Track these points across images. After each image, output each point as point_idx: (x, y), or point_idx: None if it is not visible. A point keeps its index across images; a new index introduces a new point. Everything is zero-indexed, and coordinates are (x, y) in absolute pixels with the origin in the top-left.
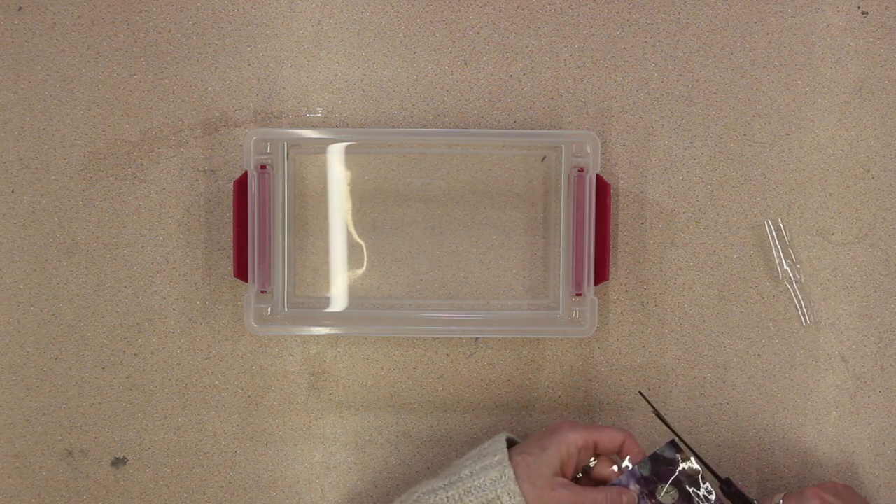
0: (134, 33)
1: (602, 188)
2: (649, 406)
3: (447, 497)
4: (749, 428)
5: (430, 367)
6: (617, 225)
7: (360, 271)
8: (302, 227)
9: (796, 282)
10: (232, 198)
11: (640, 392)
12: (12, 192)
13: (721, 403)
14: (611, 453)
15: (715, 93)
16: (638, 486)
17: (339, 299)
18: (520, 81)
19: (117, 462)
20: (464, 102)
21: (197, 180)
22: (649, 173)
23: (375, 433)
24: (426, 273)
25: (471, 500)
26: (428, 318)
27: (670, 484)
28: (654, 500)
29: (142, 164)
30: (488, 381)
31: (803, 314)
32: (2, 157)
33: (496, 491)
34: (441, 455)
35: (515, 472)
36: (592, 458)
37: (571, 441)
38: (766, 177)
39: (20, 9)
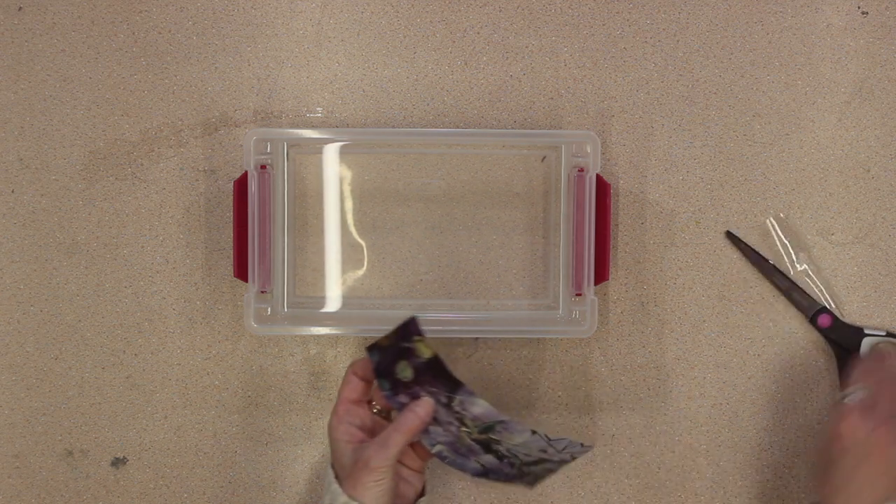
0: (134, 33)
1: (602, 188)
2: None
3: None
4: (749, 428)
5: None
6: (617, 225)
7: (360, 271)
8: (302, 227)
9: (814, 273)
10: (232, 198)
11: None
12: (12, 192)
13: (721, 403)
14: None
15: (715, 93)
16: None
17: (338, 299)
18: (520, 81)
19: (117, 462)
20: (464, 102)
21: (197, 180)
22: (649, 173)
23: None
24: (426, 273)
25: None
26: (428, 318)
27: (405, 360)
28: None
29: (142, 164)
30: (488, 381)
31: (829, 304)
32: (2, 157)
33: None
34: None
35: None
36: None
37: (336, 419)
38: (766, 177)
39: (20, 9)
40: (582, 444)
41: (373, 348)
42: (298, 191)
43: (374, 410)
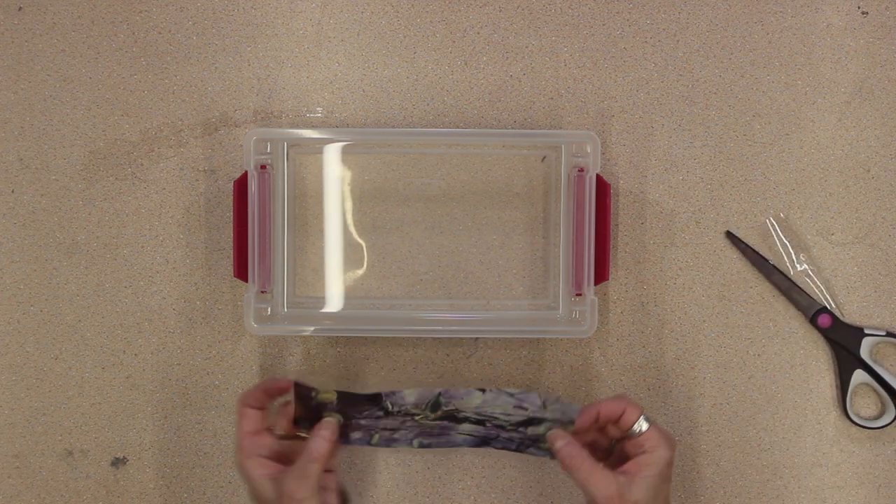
0: (134, 33)
1: (602, 188)
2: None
3: None
4: (749, 428)
5: (430, 367)
6: (617, 225)
7: (360, 271)
8: (302, 227)
9: (814, 273)
10: (232, 198)
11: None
12: (12, 192)
13: (721, 403)
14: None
15: (715, 93)
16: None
17: (338, 299)
18: (520, 81)
19: (117, 462)
20: (464, 102)
21: (197, 180)
22: (649, 173)
23: None
24: (426, 273)
25: None
26: (428, 318)
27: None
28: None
29: (142, 164)
30: (488, 381)
31: (829, 304)
32: (2, 157)
33: None
34: (441, 455)
35: None
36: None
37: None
38: (766, 177)
39: (20, 9)
40: (558, 397)
41: (297, 420)
42: (298, 191)
43: (279, 435)
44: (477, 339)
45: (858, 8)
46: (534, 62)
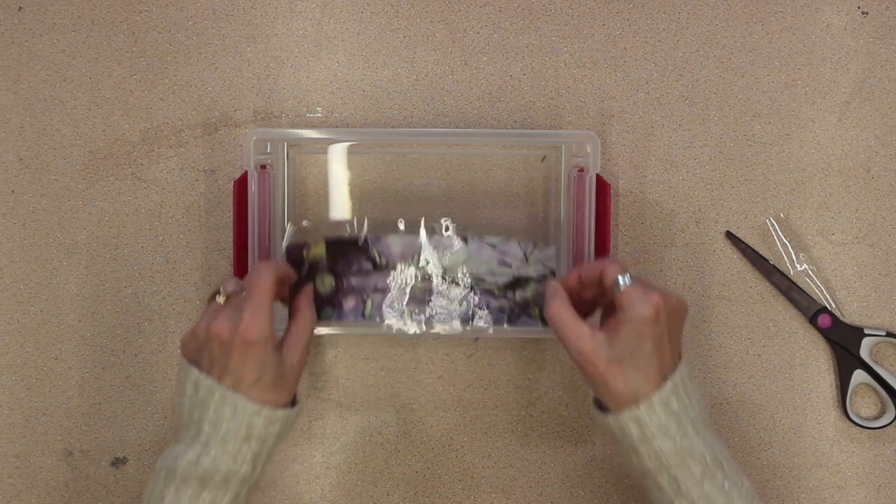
0: (134, 33)
1: (602, 188)
2: None
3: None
4: (749, 428)
5: (430, 367)
6: (617, 225)
7: None
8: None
9: (814, 273)
10: (232, 198)
11: None
12: (12, 192)
13: (721, 403)
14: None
15: (715, 93)
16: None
17: None
18: (520, 81)
19: (117, 462)
20: (464, 102)
21: (197, 180)
22: (649, 173)
23: (375, 433)
24: None
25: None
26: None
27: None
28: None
29: (142, 164)
30: (488, 381)
31: (829, 304)
32: (2, 157)
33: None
34: (441, 455)
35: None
36: None
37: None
38: (766, 177)
39: (20, 9)
40: (535, 243)
41: (292, 288)
42: (298, 191)
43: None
44: (477, 339)
45: (858, 8)
46: (534, 62)
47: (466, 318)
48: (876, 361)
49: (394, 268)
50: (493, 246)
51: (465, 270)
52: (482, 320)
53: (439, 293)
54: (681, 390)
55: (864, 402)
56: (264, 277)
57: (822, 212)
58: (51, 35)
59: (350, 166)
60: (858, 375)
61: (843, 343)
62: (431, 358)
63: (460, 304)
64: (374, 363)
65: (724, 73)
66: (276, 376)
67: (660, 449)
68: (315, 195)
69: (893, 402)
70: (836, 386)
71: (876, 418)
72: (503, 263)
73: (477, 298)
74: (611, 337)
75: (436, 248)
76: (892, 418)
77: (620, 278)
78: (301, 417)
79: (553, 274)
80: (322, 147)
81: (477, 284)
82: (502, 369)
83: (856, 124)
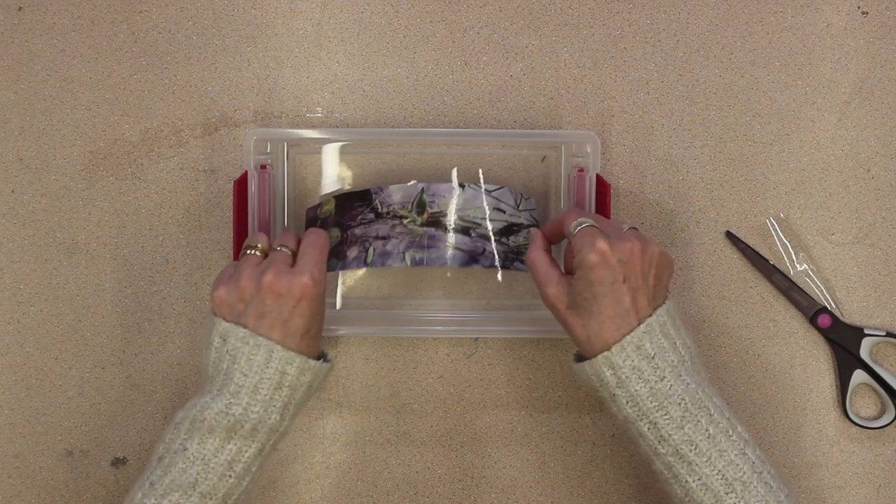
0: (134, 33)
1: (602, 188)
2: None
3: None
4: (749, 428)
5: (430, 367)
6: None
7: (360, 271)
8: (302, 228)
9: (814, 273)
10: (232, 198)
11: None
12: (12, 192)
13: None
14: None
15: (715, 93)
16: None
17: (338, 299)
18: (520, 81)
19: (117, 462)
20: (464, 102)
21: (197, 180)
22: (649, 173)
23: (375, 433)
24: (426, 272)
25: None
26: (428, 318)
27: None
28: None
29: (142, 164)
30: (488, 381)
31: (830, 304)
32: (2, 157)
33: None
34: (441, 455)
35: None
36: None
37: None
38: (766, 177)
39: (20, 9)
40: (522, 194)
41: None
42: (298, 191)
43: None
44: (477, 339)
45: (858, 8)
46: (534, 62)
47: (464, 262)
48: (876, 361)
49: (395, 216)
50: (489, 191)
51: (461, 216)
52: (478, 263)
53: (438, 238)
54: (657, 333)
55: (864, 402)
56: (322, 236)
57: (822, 212)
58: (51, 35)
59: (350, 166)
60: (858, 375)
61: (843, 343)
62: (431, 358)
63: (458, 248)
64: (374, 363)
65: (724, 73)
66: (319, 329)
67: (636, 392)
68: (315, 195)
69: (893, 402)
70: (836, 386)
71: (876, 418)
72: (497, 210)
73: (473, 242)
74: (570, 282)
75: (434, 194)
76: (892, 418)
77: (573, 224)
78: (301, 417)
79: (536, 223)
80: (322, 147)
81: (473, 229)
82: (502, 369)
83: (856, 124)
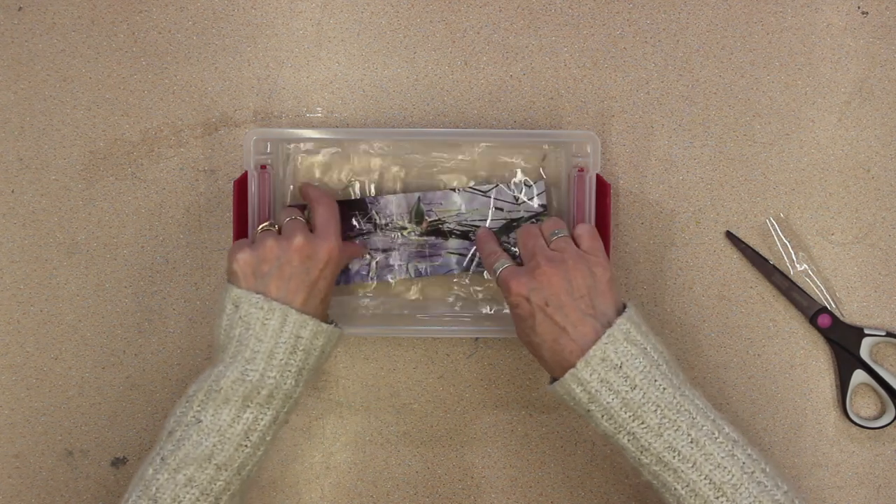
0: (134, 33)
1: (602, 188)
2: None
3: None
4: (749, 428)
5: (430, 367)
6: (617, 225)
7: None
8: None
9: (814, 273)
10: (232, 198)
11: None
12: (12, 192)
13: (721, 403)
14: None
15: (715, 93)
16: None
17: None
18: (520, 81)
19: (117, 462)
20: (464, 102)
21: (197, 180)
22: (649, 173)
23: (375, 433)
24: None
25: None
26: (428, 318)
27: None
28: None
29: (142, 164)
30: (488, 381)
31: (829, 304)
32: (2, 157)
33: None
34: (441, 455)
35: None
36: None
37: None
38: (766, 177)
39: (20, 9)
40: (525, 181)
41: None
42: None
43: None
44: (477, 339)
45: (858, 8)
46: (534, 62)
47: (468, 266)
48: (876, 361)
49: (394, 227)
50: (484, 193)
51: (460, 220)
52: (481, 265)
53: (439, 245)
54: (622, 342)
55: (864, 402)
56: (334, 205)
57: (822, 212)
58: (51, 35)
59: (350, 166)
60: (858, 375)
61: (843, 343)
62: (431, 358)
63: (461, 254)
64: (374, 363)
65: (724, 73)
66: (330, 297)
67: (608, 404)
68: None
69: (893, 402)
70: (836, 386)
71: (876, 418)
72: (496, 209)
73: (475, 245)
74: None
75: (430, 202)
76: (891, 418)
77: (496, 266)
78: (301, 417)
79: (545, 208)
80: (322, 147)
81: (474, 232)
82: (502, 369)
83: (856, 124)
